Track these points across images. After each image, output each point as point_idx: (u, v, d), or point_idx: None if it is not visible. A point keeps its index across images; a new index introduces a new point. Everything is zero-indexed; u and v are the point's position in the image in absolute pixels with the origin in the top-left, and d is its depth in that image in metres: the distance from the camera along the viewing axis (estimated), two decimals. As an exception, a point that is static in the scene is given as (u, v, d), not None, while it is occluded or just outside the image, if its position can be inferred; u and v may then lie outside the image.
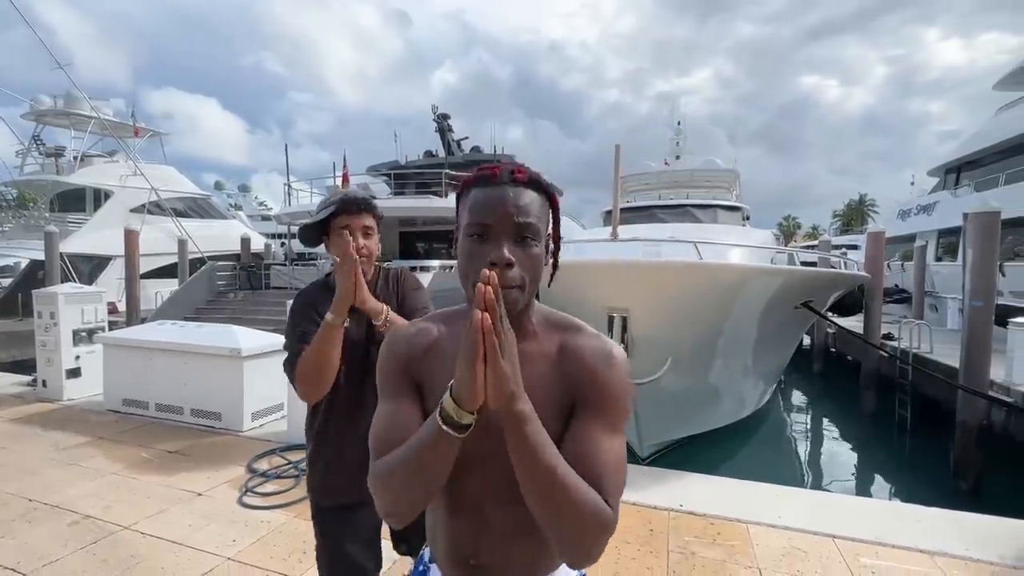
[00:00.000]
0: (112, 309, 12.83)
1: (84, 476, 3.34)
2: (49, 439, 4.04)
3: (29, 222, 15.73)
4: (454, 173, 13.88)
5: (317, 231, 1.43)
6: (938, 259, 14.25)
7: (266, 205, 46.39)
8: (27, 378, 5.81)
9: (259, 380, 4.33)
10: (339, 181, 13.97)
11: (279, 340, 4.73)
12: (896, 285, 14.97)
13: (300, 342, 1.35)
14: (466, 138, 19.29)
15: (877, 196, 50.88)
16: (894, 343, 9.09)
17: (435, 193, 13.87)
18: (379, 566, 1.48)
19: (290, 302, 1.51)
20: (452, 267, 12.11)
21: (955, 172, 15.35)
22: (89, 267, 14.54)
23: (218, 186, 45.86)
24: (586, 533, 0.69)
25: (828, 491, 6.25)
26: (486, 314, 0.61)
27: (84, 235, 15.01)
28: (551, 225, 0.83)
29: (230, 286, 13.08)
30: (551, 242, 0.83)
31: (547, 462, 0.67)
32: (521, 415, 0.66)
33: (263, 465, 3.51)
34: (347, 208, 1.40)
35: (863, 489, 7.33)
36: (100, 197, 16.46)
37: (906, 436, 8.47)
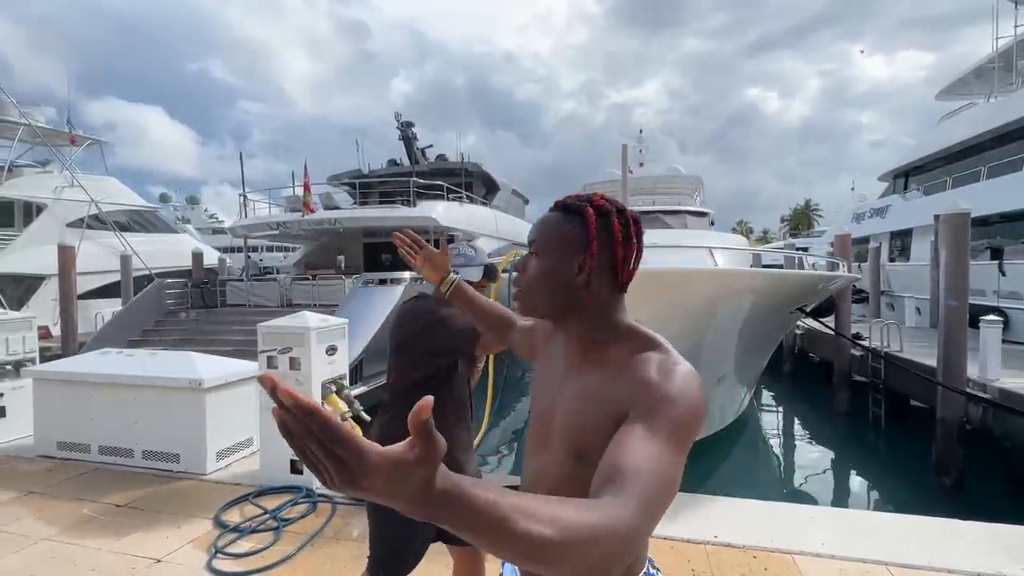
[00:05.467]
0: (45, 334, 11.59)
1: (9, 545, 2.77)
2: (-35, 497, 3.39)
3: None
4: (422, 182, 13.46)
5: None
6: (891, 259, 14.88)
7: (217, 218, 44.19)
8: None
9: (225, 413, 3.81)
10: (299, 191, 13.35)
11: (246, 368, 4.22)
12: (853, 285, 15.53)
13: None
14: (431, 146, 18.91)
15: (818, 200, 53.68)
16: (864, 342, 9.28)
17: (402, 202, 13.40)
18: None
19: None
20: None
21: (903, 177, 16.14)
22: (19, 289, 13.21)
23: (164, 199, 43.34)
24: (589, 565, 0.52)
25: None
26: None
27: (13, 253, 13.64)
28: (591, 243, 0.83)
29: (181, 305, 12.10)
30: (587, 260, 0.83)
31: (503, 529, 0.49)
32: (444, 500, 0.48)
33: (234, 517, 3.01)
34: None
35: (845, 491, 7.32)
36: (32, 211, 15.03)
37: (881, 434, 8.64)
